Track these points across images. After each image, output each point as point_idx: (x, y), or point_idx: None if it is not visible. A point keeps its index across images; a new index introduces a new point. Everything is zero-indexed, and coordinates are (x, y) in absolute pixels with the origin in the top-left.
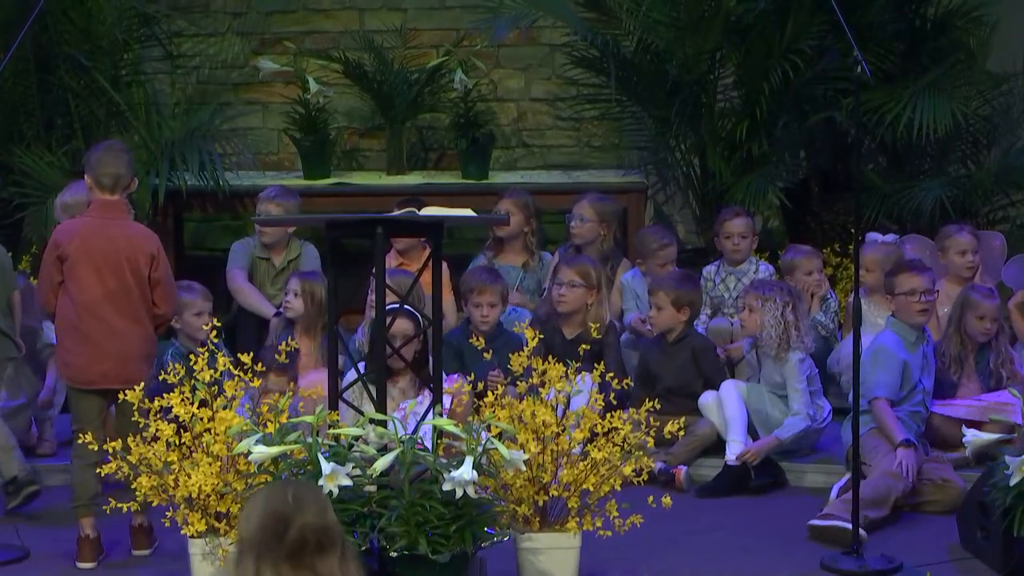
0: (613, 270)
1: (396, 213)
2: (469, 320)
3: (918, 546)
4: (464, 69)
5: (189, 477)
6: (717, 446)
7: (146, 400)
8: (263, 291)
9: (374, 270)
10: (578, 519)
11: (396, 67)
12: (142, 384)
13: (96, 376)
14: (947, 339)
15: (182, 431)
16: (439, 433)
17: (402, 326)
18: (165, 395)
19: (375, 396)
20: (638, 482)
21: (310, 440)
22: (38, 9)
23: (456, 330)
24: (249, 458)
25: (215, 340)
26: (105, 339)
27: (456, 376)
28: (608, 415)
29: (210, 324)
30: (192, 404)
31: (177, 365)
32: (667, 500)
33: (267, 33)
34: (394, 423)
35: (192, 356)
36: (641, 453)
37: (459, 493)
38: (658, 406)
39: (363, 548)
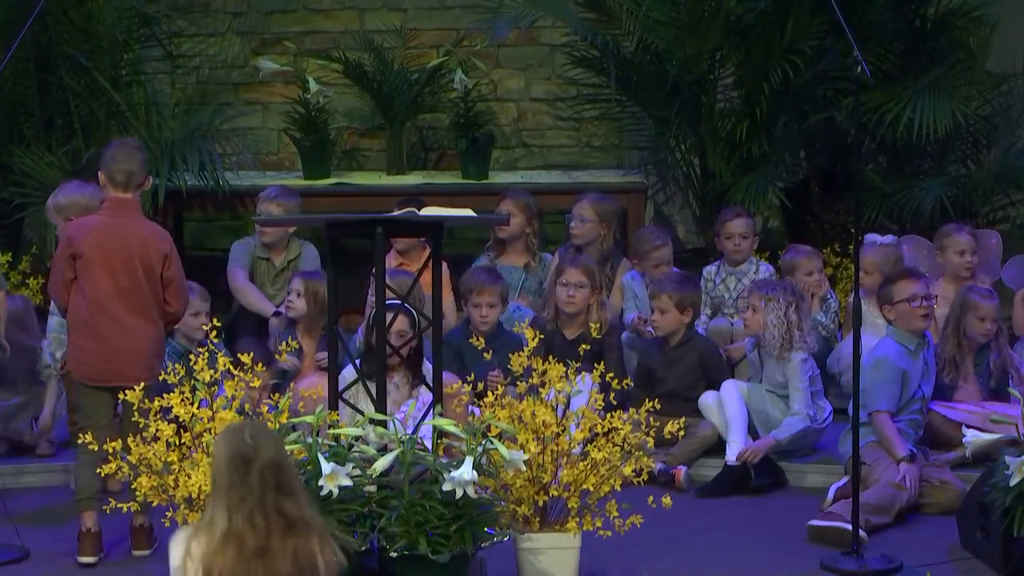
0: (613, 270)
1: (396, 213)
2: (469, 320)
3: (918, 546)
4: (464, 69)
5: (189, 477)
6: (717, 446)
7: (146, 400)
8: (263, 291)
9: (374, 270)
10: (578, 519)
11: (396, 67)
12: (143, 384)
13: (107, 373)
14: (944, 341)
15: (182, 431)
16: (439, 433)
17: (398, 323)
18: (165, 395)
19: (374, 395)
20: (638, 482)
21: (310, 440)
22: (38, 9)
23: (456, 330)
24: None
25: (215, 340)
26: (117, 337)
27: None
28: (608, 415)
29: (208, 324)
30: (192, 404)
31: (177, 365)
32: (667, 500)
33: (267, 33)
34: (394, 423)
35: (191, 356)
36: (641, 453)
37: (459, 493)
38: (658, 406)
39: (363, 548)
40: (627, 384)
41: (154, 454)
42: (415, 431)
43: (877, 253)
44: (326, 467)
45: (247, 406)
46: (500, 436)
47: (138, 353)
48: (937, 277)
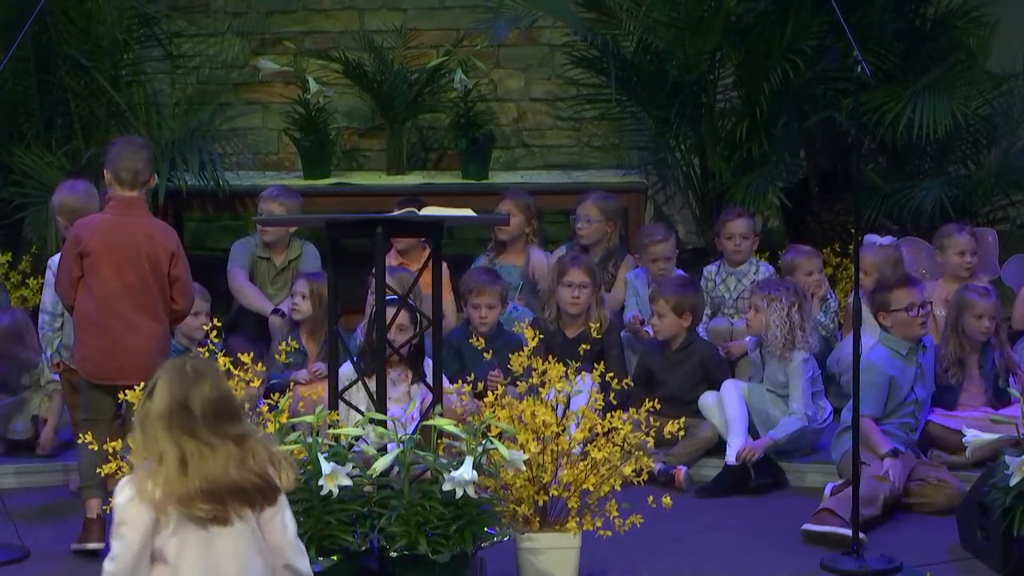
0: (616, 267)
1: (396, 213)
2: (469, 321)
3: (918, 546)
4: (464, 69)
5: None
6: (717, 446)
7: None
8: (263, 290)
9: (374, 270)
10: (578, 519)
11: (396, 67)
12: (143, 384)
13: (113, 371)
14: (944, 342)
15: None
16: (439, 433)
17: (399, 319)
18: None
19: (375, 395)
20: (638, 482)
21: (310, 440)
22: (38, 9)
23: (456, 330)
24: None
25: (215, 340)
26: (123, 334)
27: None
28: (608, 415)
29: (208, 324)
30: None
31: None
32: (667, 500)
33: (267, 33)
34: (394, 423)
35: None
36: (641, 453)
37: (459, 493)
38: (658, 406)
39: (363, 548)
40: (627, 384)
41: None
42: (415, 431)
43: (877, 254)
44: (326, 467)
45: (247, 405)
46: (500, 436)
47: (144, 351)
48: (937, 277)
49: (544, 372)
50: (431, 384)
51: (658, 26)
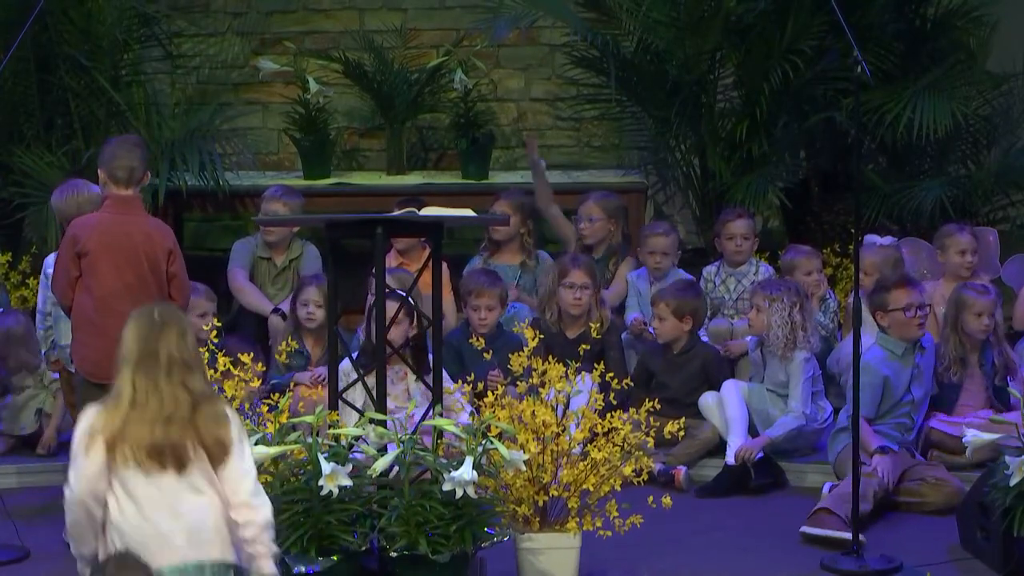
0: (617, 265)
1: (396, 213)
2: (468, 322)
3: (918, 546)
4: (464, 69)
5: None
6: (718, 447)
7: None
8: (263, 290)
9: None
10: (578, 519)
11: (396, 67)
12: None
13: (112, 371)
14: (944, 341)
15: None
16: (439, 433)
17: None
18: None
19: (375, 395)
20: (638, 482)
21: (310, 440)
22: (38, 9)
23: (456, 331)
24: None
25: (215, 340)
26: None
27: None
28: (608, 415)
29: (210, 324)
30: None
31: None
32: (667, 500)
33: (267, 33)
34: (394, 423)
35: None
36: (641, 453)
37: (459, 493)
38: (658, 406)
39: (363, 548)
40: (627, 384)
41: None
42: (415, 431)
43: (877, 254)
44: (326, 467)
45: (247, 405)
46: (500, 436)
47: None
48: (938, 278)
49: (544, 372)
50: (431, 384)
51: (658, 26)
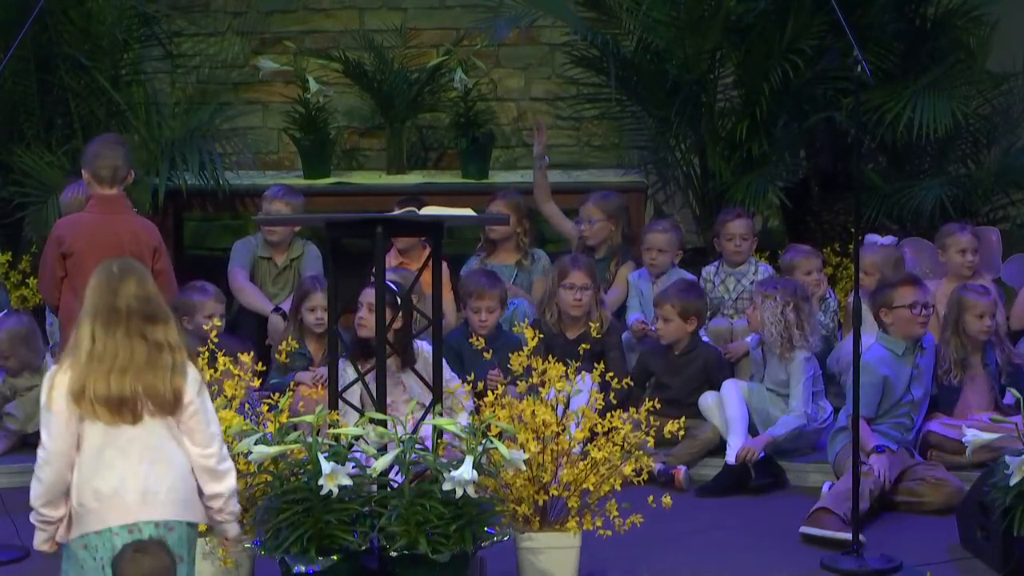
0: (617, 266)
1: (396, 213)
2: (468, 322)
3: (918, 546)
4: (464, 69)
5: None
6: (718, 447)
7: None
8: (264, 290)
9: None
10: (578, 519)
11: (396, 67)
12: None
13: None
14: (944, 342)
15: None
16: (439, 433)
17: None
18: None
19: (375, 395)
20: (638, 482)
21: (310, 440)
22: (38, 9)
23: (455, 331)
24: (249, 458)
25: (215, 340)
26: None
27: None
28: (608, 415)
29: (221, 324)
30: None
31: None
32: (667, 500)
33: (267, 33)
34: (393, 423)
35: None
36: (641, 453)
37: (459, 493)
38: (658, 406)
39: (363, 548)
40: (626, 384)
41: None
42: (415, 430)
43: (877, 254)
44: (326, 467)
45: (247, 405)
46: (500, 436)
47: None
48: (940, 277)
49: (544, 372)
50: (429, 383)
51: (658, 26)
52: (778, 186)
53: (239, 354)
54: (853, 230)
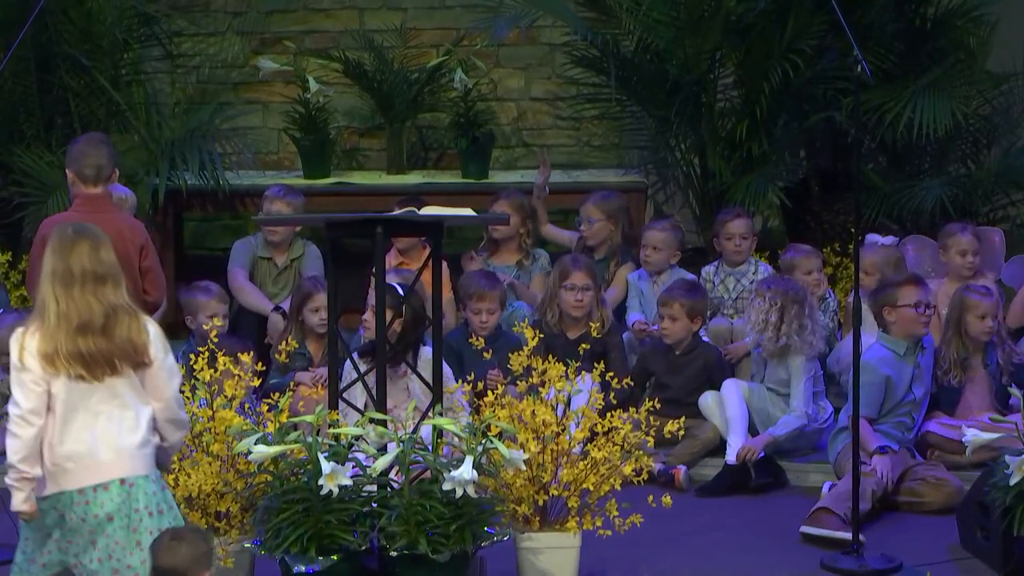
0: (617, 265)
1: (396, 212)
2: (468, 323)
3: (918, 546)
4: (464, 69)
5: (189, 476)
6: (718, 447)
7: None
8: (264, 290)
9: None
10: (578, 519)
11: (396, 67)
12: None
13: None
14: (945, 343)
15: None
16: (439, 433)
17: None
18: None
19: (375, 395)
20: (638, 482)
21: (310, 440)
22: (38, 9)
23: (455, 331)
24: (249, 458)
25: (215, 339)
26: None
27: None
28: (608, 414)
29: (223, 324)
30: (192, 404)
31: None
32: (667, 500)
33: (267, 33)
34: (393, 423)
35: (192, 356)
36: (641, 453)
37: (459, 493)
38: (658, 406)
39: (363, 548)
40: (627, 384)
41: None
42: (415, 430)
43: (877, 254)
44: (326, 467)
45: (247, 405)
46: (500, 435)
47: None
48: (942, 276)
49: (544, 372)
50: (430, 383)
51: (658, 26)
52: (778, 186)
53: (239, 354)
54: (853, 230)
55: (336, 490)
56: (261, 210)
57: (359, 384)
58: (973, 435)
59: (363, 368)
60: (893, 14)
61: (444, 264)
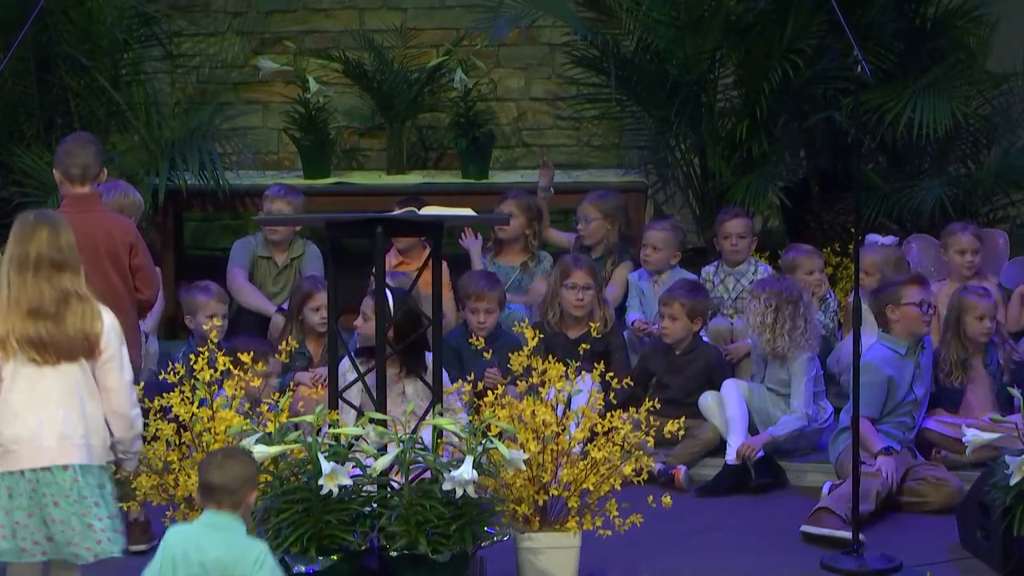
0: (615, 264)
1: (396, 212)
2: (467, 323)
3: (918, 546)
4: (464, 69)
5: (189, 477)
6: (718, 447)
7: (146, 400)
8: (264, 290)
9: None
10: (578, 519)
11: (396, 67)
12: (142, 384)
13: None
14: (945, 344)
15: (182, 431)
16: (439, 433)
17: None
18: (165, 394)
19: (375, 396)
20: (638, 482)
21: (310, 440)
22: (38, 9)
23: (455, 331)
24: None
25: (214, 340)
26: None
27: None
28: (608, 414)
29: (223, 324)
30: (192, 404)
31: (177, 365)
32: (667, 500)
33: (267, 33)
34: (393, 423)
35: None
36: (641, 453)
37: (459, 493)
38: (658, 406)
39: (363, 548)
40: (627, 384)
41: (154, 453)
42: (415, 431)
43: (878, 254)
44: (326, 467)
45: (247, 406)
46: (500, 435)
47: None
48: (945, 277)
49: (544, 371)
50: (430, 383)
51: (658, 26)
52: (778, 186)
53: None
54: (853, 230)
55: (336, 490)
56: (261, 210)
57: (358, 385)
58: (973, 435)
59: (360, 371)
60: (893, 14)
61: (444, 264)
